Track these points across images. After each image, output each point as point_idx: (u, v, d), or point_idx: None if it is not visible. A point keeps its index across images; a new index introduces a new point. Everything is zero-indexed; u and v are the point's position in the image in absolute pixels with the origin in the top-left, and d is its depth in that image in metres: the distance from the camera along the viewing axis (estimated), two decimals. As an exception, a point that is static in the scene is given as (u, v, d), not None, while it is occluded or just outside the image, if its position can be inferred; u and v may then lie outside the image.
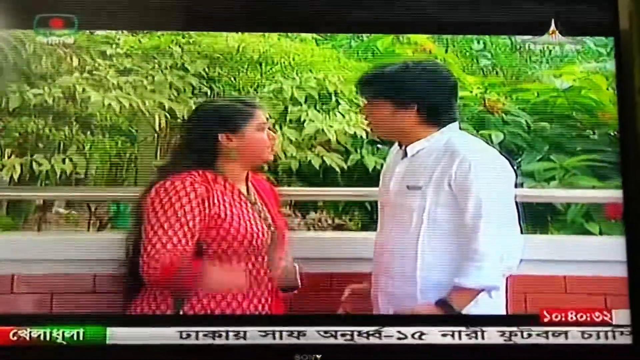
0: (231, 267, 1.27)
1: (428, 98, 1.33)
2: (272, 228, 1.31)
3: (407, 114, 1.33)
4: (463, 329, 1.30)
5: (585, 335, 1.32)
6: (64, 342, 1.28)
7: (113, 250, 1.31)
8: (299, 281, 1.33)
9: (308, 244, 1.39)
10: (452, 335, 1.30)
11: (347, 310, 1.35)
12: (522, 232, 1.33)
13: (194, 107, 1.40)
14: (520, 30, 1.44)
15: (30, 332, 1.27)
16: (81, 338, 1.28)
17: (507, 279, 1.32)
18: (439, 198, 1.30)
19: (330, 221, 1.44)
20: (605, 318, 1.33)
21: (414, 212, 1.31)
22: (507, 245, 1.31)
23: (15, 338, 1.27)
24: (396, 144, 1.39)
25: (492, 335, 1.31)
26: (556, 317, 1.33)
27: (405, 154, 1.35)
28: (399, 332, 1.30)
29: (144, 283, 1.25)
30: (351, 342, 1.29)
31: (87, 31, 1.40)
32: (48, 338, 1.27)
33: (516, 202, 1.32)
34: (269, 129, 1.33)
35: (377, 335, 1.30)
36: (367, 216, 1.44)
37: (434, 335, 1.30)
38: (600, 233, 1.41)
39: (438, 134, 1.33)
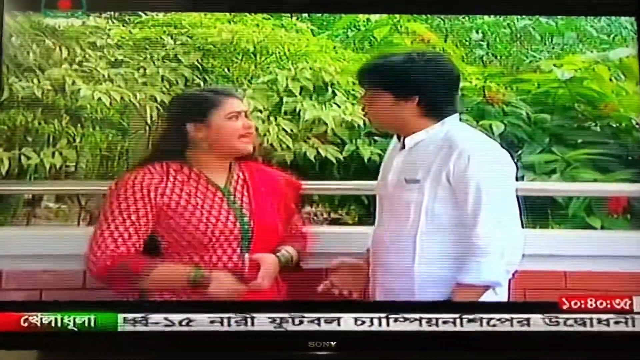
0: (179, 264, 1.25)
1: (430, 90, 1.30)
2: (246, 219, 1.28)
3: (408, 105, 1.30)
4: (481, 315, 1.30)
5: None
6: (75, 329, 1.28)
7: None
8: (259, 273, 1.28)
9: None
10: (468, 321, 1.30)
11: (334, 284, 1.33)
12: (522, 227, 1.30)
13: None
14: (537, 10, 1.41)
15: (41, 318, 1.27)
16: (92, 324, 1.28)
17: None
18: (437, 192, 1.28)
19: (325, 215, 1.42)
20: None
21: (412, 206, 1.29)
22: (507, 240, 1.28)
23: (26, 324, 1.27)
24: (395, 136, 1.36)
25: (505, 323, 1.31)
26: (575, 304, 1.31)
27: (404, 146, 1.32)
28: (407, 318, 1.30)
29: None
30: (365, 329, 1.29)
31: (91, 15, 1.39)
32: (59, 324, 1.27)
33: (517, 196, 1.30)
34: (245, 117, 1.29)
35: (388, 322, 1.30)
36: (363, 209, 1.43)
37: (449, 322, 1.30)
38: (602, 227, 1.39)
39: (438, 126, 1.30)
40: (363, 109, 1.40)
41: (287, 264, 1.30)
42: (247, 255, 1.27)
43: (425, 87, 1.30)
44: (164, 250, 1.25)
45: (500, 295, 1.30)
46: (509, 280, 1.30)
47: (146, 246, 1.24)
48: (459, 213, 1.27)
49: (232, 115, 1.27)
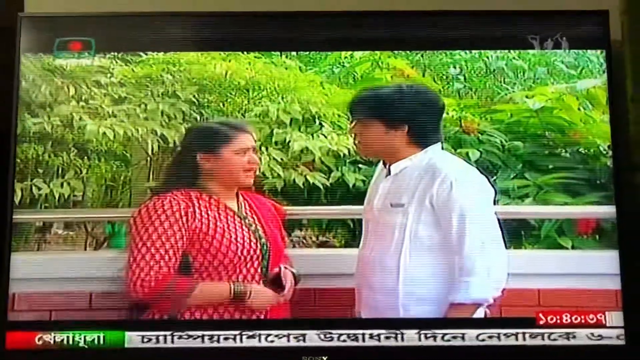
0: (215, 281, 1.34)
1: (418, 119, 1.40)
2: (263, 240, 1.38)
3: (398, 134, 1.39)
4: (467, 331, 1.38)
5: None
6: (86, 346, 1.37)
7: (109, 269, 1.39)
8: (285, 284, 1.39)
9: (294, 261, 1.44)
10: (462, 338, 1.39)
11: None
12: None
13: (184, 132, 1.48)
14: (510, 45, 1.51)
15: (54, 337, 1.36)
16: (101, 342, 1.36)
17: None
18: (421, 215, 1.36)
19: (314, 238, 1.51)
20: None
21: (396, 229, 1.37)
22: (492, 260, 1.36)
23: (40, 342, 1.36)
24: (381, 163, 1.44)
25: (484, 338, 1.39)
26: (551, 319, 1.40)
27: (389, 172, 1.40)
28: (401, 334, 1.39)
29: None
30: (357, 344, 1.38)
31: (97, 55, 1.49)
32: (71, 342, 1.36)
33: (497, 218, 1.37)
34: (252, 153, 1.40)
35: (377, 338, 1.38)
36: (349, 233, 1.50)
37: (436, 337, 1.38)
38: (573, 247, 1.46)
39: (421, 154, 1.39)
40: (354, 138, 1.46)
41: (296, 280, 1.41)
42: (283, 270, 1.38)
43: (414, 117, 1.39)
44: (196, 270, 1.34)
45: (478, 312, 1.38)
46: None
47: (179, 267, 1.33)
48: (442, 235, 1.35)
49: (241, 151, 1.38)
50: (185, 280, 1.33)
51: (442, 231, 1.36)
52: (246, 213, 1.40)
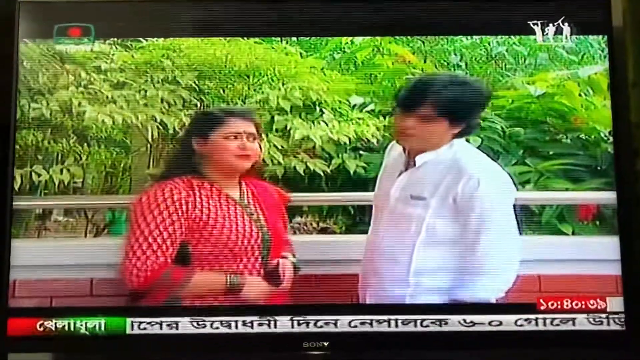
0: (213, 271, 1.34)
1: (464, 112, 1.38)
2: (265, 229, 1.38)
3: (443, 125, 1.37)
4: (468, 317, 1.39)
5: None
6: (87, 332, 1.36)
7: (109, 255, 1.39)
8: (282, 277, 1.38)
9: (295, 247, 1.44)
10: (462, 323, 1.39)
11: None
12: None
13: (184, 119, 1.47)
14: (511, 31, 1.51)
15: (55, 323, 1.36)
16: (103, 328, 1.36)
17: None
18: (442, 210, 1.35)
19: (315, 225, 1.51)
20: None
21: (414, 221, 1.36)
22: (504, 262, 1.36)
23: (41, 329, 1.36)
24: (395, 149, 1.44)
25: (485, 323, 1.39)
26: (552, 305, 1.40)
27: (414, 164, 1.39)
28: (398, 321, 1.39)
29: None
30: (357, 330, 1.38)
31: (97, 41, 1.48)
32: (72, 329, 1.36)
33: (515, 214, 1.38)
34: (247, 138, 1.38)
35: (380, 323, 1.38)
36: (350, 219, 1.50)
37: (438, 323, 1.39)
38: (574, 233, 1.46)
39: (447, 147, 1.38)
40: (394, 125, 1.44)
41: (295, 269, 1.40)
42: (281, 262, 1.38)
43: (461, 109, 1.38)
44: (194, 259, 1.33)
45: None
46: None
47: (177, 256, 1.32)
48: (459, 231, 1.35)
49: (231, 135, 1.37)
50: (182, 270, 1.33)
51: (459, 228, 1.35)
52: (248, 201, 1.39)
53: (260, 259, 1.37)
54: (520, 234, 1.40)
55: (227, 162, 1.37)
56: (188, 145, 1.38)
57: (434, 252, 1.36)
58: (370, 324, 1.39)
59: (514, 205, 1.39)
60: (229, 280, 1.34)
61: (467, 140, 1.42)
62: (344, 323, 1.39)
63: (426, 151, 1.38)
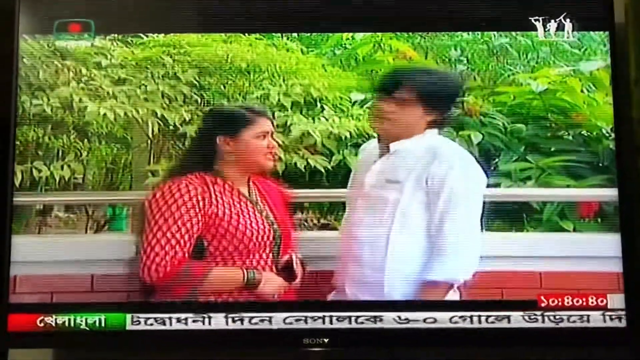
0: (229, 266, 1.35)
1: (439, 101, 1.41)
2: (275, 226, 1.39)
3: (420, 113, 1.39)
4: (464, 313, 1.39)
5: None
6: (87, 328, 1.37)
7: (110, 251, 1.40)
8: (297, 272, 1.40)
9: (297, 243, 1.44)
10: (462, 319, 1.40)
11: None
12: (488, 230, 1.40)
13: (185, 115, 1.47)
14: (513, 27, 1.50)
15: (56, 319, 1.37)
16: (103, 324, 1.37)
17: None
18: (416, 194, 1.37)
19: (315, 221, 1.50)
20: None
21: (389, 205, 1.38)
22: (467, 244, 1.38)
23: (42, 325, 1.37)
24: (369, 144, 1.45)
25: (486, 319, 1.40)
26: (553, 302, 1.40)
27: (387, 150, 1.41)
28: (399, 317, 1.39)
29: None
30: (356, 327, 1.38)
31: (97, 37, 1.48)
32: (72, 324, 1.37)
33: (484, 203, 1.38)
34: (271, 138, 1.40)
35: (380, 320, 1.39)
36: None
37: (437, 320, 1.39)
38: (575, 230, 1.46)
39: (420, 135, 1.40)
40: (371, 113, 1.46)
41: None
42: (294, 258, 1.39)
43: (431, 98, 1.40)
44: (210, 255, 1.34)
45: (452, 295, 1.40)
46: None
47: (193, 251, 1.33)
48: (429, 216, 1.37)
49: (261, 135, 1.38)
50: (199, 264, 1.33)
51: (430, 212, 1.37)
52: (257, 199, 1.40)
53: (271, 255, 1.38)
54: (486, 224, 1.40)
55: (255, 160, 1.39)
56: (209, 142, 1.38)
57: (407, 237, 1.37)
58: (374, 321, 1.39)
59: (484, 202, 1.40)
60: (246, 276, 1.34)
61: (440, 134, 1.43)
62: (344, 319, 1.38)
63: (401, 139, 1.40)
